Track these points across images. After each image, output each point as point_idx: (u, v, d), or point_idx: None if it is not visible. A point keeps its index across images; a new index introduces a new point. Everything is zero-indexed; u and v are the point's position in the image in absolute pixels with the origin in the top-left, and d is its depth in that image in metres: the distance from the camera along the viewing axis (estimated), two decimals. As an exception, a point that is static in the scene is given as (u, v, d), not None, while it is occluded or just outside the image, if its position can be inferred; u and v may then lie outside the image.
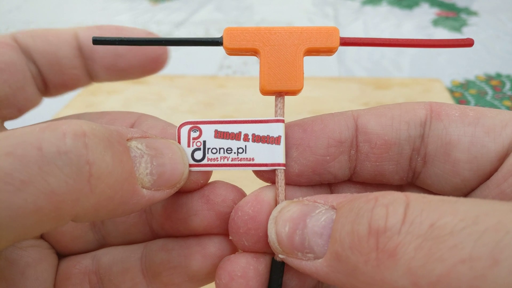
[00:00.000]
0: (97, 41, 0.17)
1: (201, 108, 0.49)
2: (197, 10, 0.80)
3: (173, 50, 0.65)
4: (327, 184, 0.19)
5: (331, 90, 0.52)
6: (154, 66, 0.21)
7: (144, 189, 0.15)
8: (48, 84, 0.21)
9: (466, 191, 0.17)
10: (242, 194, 0.18)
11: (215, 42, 0.17)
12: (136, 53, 0.21)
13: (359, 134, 0.17)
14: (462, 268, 0.10)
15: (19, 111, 0.20)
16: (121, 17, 0.78)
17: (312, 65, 0.60)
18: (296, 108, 0.44)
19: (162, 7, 0.83)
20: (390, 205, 0.12)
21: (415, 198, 0.12)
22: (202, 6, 0.82)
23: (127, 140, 0.15)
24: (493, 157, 0.15)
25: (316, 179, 0.18)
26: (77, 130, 0.13)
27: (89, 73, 0.22)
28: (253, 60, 0.62)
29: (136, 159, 0.15)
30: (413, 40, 0.17)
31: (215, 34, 0.71)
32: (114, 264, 0.19)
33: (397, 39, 0.17)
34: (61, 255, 0.21)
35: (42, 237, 0.20)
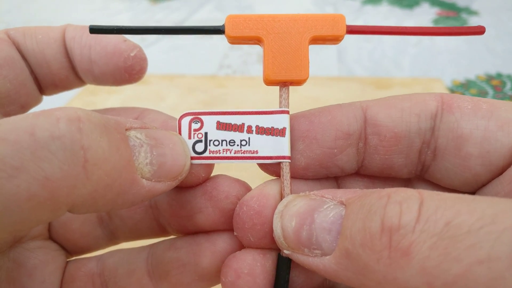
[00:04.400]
0: (93, 29, 0.16)
1: (201, 108, 0.49)
2: (197, 10, 0.80)
3: (172, 50, 0.65)
4: (334, 178, 0.18)
5: (332, 90, 0.52)
6: (127, 77, 0.20)
7: (144, 180, 0.15)
8: (40, 83, 0.21)
9: (477, 186, 0.16)
10: (246, 188, 0.18)
11: (217, 30, 0.16)
12: (108, 61, 0.20)
13: (368, 126, 0.16)
14: (480, 268, 0.10)
15: (22, 108, 0.20)
16: (120, 17, 0.78)
17: (312, 64, 0.60)
18: (296, 108, 0.44)
19: (162, 6, 0.83)
20: (403, 202, 0.12)
21: (429, 195, 0.12)
22: (202, 6, 0.82)
23: (126, 129, 0.15)
24: (506, 152, 0.15)
25: (323, 173, 0.17)
26: (72, 115, 0.13)
27: (79, 75, 0.21)
28: (253, 60, 0.62)
29: (135, 148, 0.15)
30: (422, 28, 0.16)
31: (215, 33, 0.71)
32: (120, 266, 0.19)
33: (406, 27, 0.16)
34: (72, 254, 0.20)
35: (51, 237, 0.20)
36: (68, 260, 0.20)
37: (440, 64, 0.60)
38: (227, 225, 0.18)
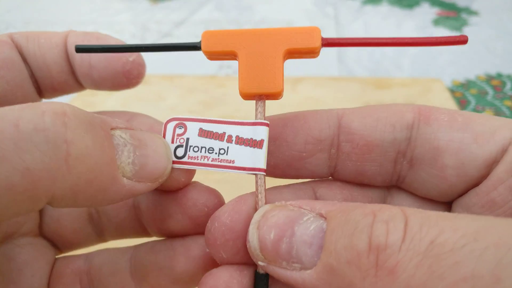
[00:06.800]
0: (79, 49, 0.17)
1: (201, 108, 0.49)
2: (197, 10, 0.80)
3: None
4: (311, 188, 0.18)
5: (332, 90, 0.52)
6: (125, 81, 0.21)
7: (125, 178, 0.15)
8: (40, 86, 0.21)
9: (453, 197, 0.16)
10: (216, 196, 0.18)
11: (194, 46, 0.16)
12: (107, 66, 0.20)
13: (341, 134, 0.17)
14: (464, 286, 0.10)
15: None
16: (120, 17, 0.78)
17: (312, 65, 0.60)
18: (297, 108, 0.44)
19: (161, 6, 0.83)
20: (390, 222, 0.12)
21: (413, 213, 0.12)
22: (202, 6, 0.82)
23: (112, 129, 0.15)
24: (481, 164, 0.15)
25: (292, 173, 0.17)
26: (58, 110, 0.13)
27: (78, 80, 0.21)
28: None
29: (119, 147, 0.15)
30: (402, 38, 0.16)
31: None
32: (105, 265, 0.19)
33: (384, 38, 0.16)
34: (62, 250, 0.21)
35: (42, 233, 0.20)
36: (57, 257, 0.21)
37: (440, 64, 0.60)
38: (197, 231, 0.18)
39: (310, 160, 0.17)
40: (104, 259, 0.20)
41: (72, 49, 0.20)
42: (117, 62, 0.20)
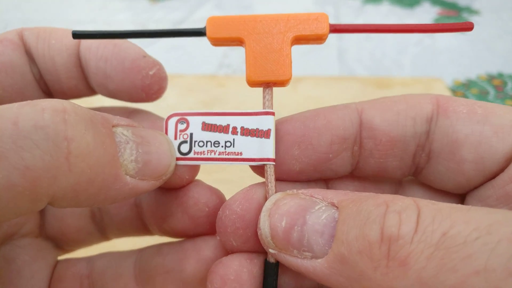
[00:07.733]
0: (76, 35, 0.16)
1: (201, 108, 0.49)
2: (196, 9, 0.80)
3: (172, 49, 0.65)
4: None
5: (332, 90, 0.52)
6: (144, 96, 0.19)
7: (128, 176, 0.15)
8: (50, 90, 0.20)
9: (469, 189, 0.16)
10: (218, 196, 0.17)
11: (198, 32, 0.16)
12: (124, 78, 0.18)
13: (364, 130, 0.16)
14: (476, 279, 0.10)
15: None
16: (120, 16, 0.77)
17: (312, 64, 0.60)
18: (297, 108, 0.44)
19: (161, 5, 0.82)
20: (402, 212, 0.12)
21: (425, 205, 0.12)
22: (202, 5, 0.81)
23: (113, 126, 0.15)
24: (500, 158, 0.15)
25: (316, 176, 0.17)
26: (58, 107, 0.12)
27: (90, 86, 0.20)
28: (253, 59, 0.62)
29: (121, 144, 0.15)
30: (408, 25, 0.16)
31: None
32: (108, 269, 0.19)
33: (392, 25, 0.16)
34: (65, 249, 0.21)
35: (46, 232, 0.20)
36: (59, 258, 0.20)
37: (441, 63, 0.60)
38: (198, 231, 0.18)
39: (335, 161, 0.16)
40: (106, 262, 0.19)
41: (86, 55, 0.19)
42: (136, 75, 0.18)
